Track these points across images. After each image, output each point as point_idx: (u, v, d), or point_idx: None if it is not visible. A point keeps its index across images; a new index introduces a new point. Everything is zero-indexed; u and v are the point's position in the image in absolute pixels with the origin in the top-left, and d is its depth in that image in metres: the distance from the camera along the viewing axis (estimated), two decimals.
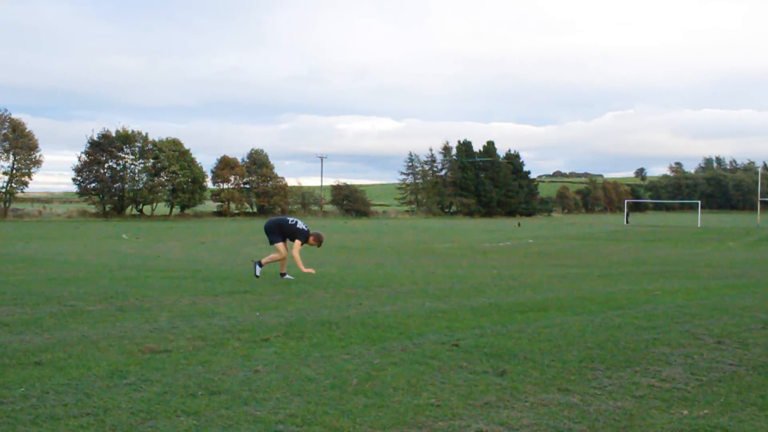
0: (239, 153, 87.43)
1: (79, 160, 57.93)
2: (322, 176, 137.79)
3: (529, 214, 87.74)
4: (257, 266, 10.79)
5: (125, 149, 59.08)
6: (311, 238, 10.82)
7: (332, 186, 78.06)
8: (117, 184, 58.69)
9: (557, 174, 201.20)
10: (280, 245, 10.71)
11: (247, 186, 69.34)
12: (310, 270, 10.83)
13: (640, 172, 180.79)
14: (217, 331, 6.12)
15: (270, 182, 69.57)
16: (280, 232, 10.76)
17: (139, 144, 59.52)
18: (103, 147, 57.70)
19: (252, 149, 71.00)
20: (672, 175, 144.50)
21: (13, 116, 54.13)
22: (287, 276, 10.74)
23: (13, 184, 53.63)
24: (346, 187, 76.21)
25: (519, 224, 57.39)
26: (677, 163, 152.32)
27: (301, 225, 10.84)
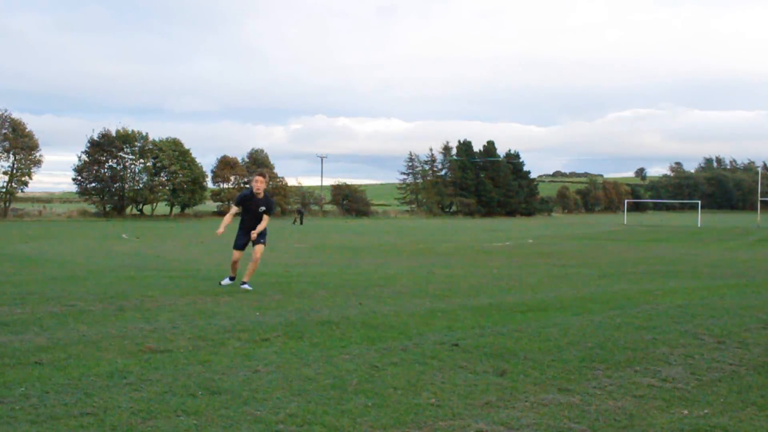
0: (239, 153, 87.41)
1: (79, 159, 57.92)
2: (322, 176, 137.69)
3: (529, 214, 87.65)
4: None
5: (125, 149, 59.00)
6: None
7: (332, 186, 78.00)
8: (117, 184, 58.62)
9: (557, 174, 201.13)
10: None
11: (248, 186, 69.33)
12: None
13: (640, 172, 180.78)
14: (217, 331, 6.12)
15: (270, 182, 69.56)
16: None
17: (139, 144, 59.46)
18: (103, 147, 57.65)
19: (252, 149, 71.00)
20: (672, 174, 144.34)
21: (14, 116, 54.10)
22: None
23: (13, 184, 53.57)
24: (346, 186, 76.12)
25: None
26: (677, 163, 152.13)
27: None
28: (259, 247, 9.35)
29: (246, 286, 9.17)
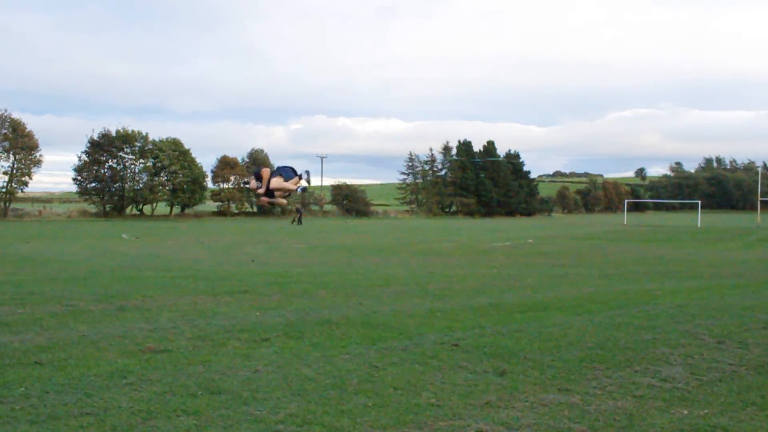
0: (239, 153, 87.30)
1: (80, 159, 57.93)
2: (322, 176, 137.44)
3: (529, 214, 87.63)
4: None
5: (125, 149, 59.01)
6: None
7: (332, 186, 77.97)
8: (117, 184, 58.63)
9: (557, 174, 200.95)
10: None
11: (248, 186, 69.22)
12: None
13: (640, 172, 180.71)
14: (217, 331, 6.12)
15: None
16: None
17: (139, 144, 59.46)
18: (103, 147, 57.65)
19: (252, 149, 70.99)
20: (672, 175, 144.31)
21: (14, 116, 54.08)
22: None
23: (13, 184, 53.57)
24: (347, 186, 76.09)
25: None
26: (677, 163, 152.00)
27: None
28: None
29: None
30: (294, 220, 49.95)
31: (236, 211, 67.61)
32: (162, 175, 59.67)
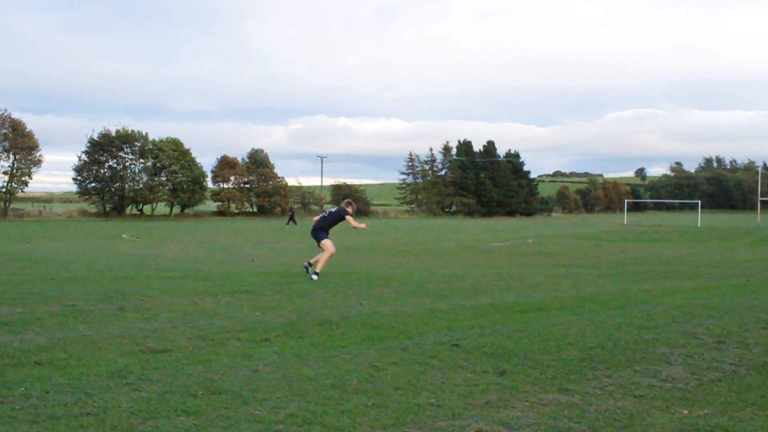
0: (239, 153, 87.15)
1: (80, 159, 57.92)
2: (322, 176, 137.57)
3: (529, 214, 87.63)
4: (309, 269, 11.18)
5: (125, 149, 59.01)
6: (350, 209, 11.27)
7: (332, 186, 77.99)
8: (117, 184, 58.62)
9: (557, 174, 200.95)
10: (326, 242, 11.13)
11: (247, 186, 69.25)
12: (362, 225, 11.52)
13: (640, 172, 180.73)
14: (217, 331, 6.12)
15: (270, 182, 69.50)
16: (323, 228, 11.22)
17: (139, 144, 59.45)
18: (103, 147, 57.65)
19: (252, 149, 70.97)
20: (672, 174, 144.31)
21: (14, 116, 54.08)
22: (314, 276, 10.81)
23: (13, 184, 53.57)
24: (346, 186, 76.13)
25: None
26: (677, 163, 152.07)
27: (329, 211, 11.47)
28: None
29: (315, 277, 10.72)
30: (289, 221, 49.67)
31: (236, 211, 67.61)
32: (162, 175, 59.68)
